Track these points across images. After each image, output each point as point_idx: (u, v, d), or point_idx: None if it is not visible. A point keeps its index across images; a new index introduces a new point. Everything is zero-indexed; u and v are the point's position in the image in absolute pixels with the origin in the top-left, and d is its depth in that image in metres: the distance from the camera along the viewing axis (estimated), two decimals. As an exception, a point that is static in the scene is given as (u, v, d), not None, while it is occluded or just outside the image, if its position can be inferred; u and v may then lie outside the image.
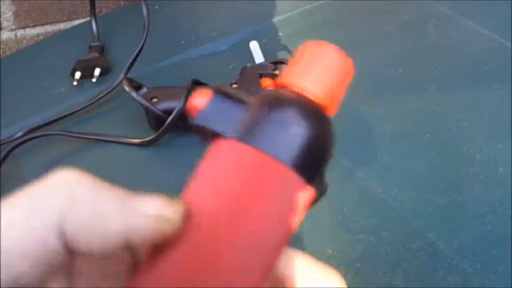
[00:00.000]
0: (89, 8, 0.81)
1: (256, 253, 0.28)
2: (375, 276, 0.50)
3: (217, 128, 0.30)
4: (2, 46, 0.93)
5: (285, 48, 0.76)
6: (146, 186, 0.65)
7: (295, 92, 0.31)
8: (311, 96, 0.31)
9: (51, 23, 0.94)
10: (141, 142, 0.64)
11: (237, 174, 0.29)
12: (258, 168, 0.29)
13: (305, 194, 0.30)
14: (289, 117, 0.30)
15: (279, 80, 0.32)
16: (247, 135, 0.29)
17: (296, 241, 0.53)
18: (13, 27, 0.93)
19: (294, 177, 0.29)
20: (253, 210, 0.29)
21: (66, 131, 0.66)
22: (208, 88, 0.31)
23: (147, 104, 0.63)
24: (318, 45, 0.33)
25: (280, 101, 0.30)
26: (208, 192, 0.29)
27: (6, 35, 0.93)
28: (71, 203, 0.28)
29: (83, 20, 0.91)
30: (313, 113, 0.30)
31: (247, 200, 0.29)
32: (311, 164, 0.30)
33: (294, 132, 0.29)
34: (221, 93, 0.31)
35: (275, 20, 0.81)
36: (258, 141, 0.29)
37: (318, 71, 0.32)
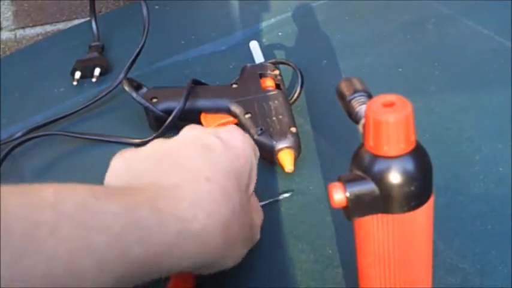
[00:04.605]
0: (88, 8, 0.81)
1: None
2: (375, 276, 0.50)
3: None
4: (2, 46, 0.93)
5: (285, 48, 0.76)
6: (146, 186, 0.65)
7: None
8: None
9: (50, 23, 0.95)
10: (141, 142, 0.64)
11: None
12: None
13: None
14: None
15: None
16: None
17: (296, 241, 0.53)
18: (12, 27, 0.93)
19: None
20: None
21: (66, 131, 0.66)
22: None
23: (147, 104, 0.63)
24: None
25: None
26: None
27: (6, 35, 0.93)
28: None
29: (82, 20, 0.91)
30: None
31: None
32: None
33: None
34: None
35: (275, 20, 0.81)
36: None
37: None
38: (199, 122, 0.63)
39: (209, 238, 0.40)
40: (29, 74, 0.78)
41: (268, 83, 0.66)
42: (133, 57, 0.71)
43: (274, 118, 0.61)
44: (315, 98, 0.68)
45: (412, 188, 0.37)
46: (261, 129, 0.60)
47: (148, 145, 0.46)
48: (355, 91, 0.41)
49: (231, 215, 0.42)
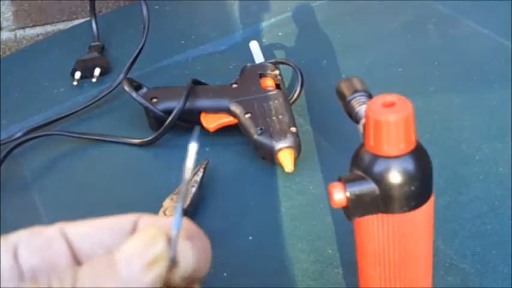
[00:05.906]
0: (88, 8, 0.81)
1: None
2: (375, 276, 0.50)
3: None
4: (2, 46, 0.93)
5: (285, 48, 0.76)
6: (146, 186, 0.66)
7: None
8: None
9: (51, 23, 0.95)
10: (141, 142, 0.64)
11: None
12: None
13: None
14: None
15: None
16: None
17: (296, 241, 0.53)
18: (13, 27, 0.93)
19: None
20: None
21: (66, 131, 0.66)
22: None
23: (147, 104, 0.63)
24: None
25: None
26: None
27: (6, 35, 0.93)
28: None
29: (82, 20, 0.91)
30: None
31: None
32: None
33: None
34: None
35: (275, 20, 0.81)
36: None
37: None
38: (199, 122, 0.63)
39: None
40: (29, 74, 0.78)
41: (268, 83, 0.66)
42: (133, 57, 0.71)
43: (274, 118, 0.61)
44: (315, 98, 0.68)
45: (412, 188, 0.37)
46: (261, 129, 0.60)
47: None
48: (355, 91, 0.41)
49: None
